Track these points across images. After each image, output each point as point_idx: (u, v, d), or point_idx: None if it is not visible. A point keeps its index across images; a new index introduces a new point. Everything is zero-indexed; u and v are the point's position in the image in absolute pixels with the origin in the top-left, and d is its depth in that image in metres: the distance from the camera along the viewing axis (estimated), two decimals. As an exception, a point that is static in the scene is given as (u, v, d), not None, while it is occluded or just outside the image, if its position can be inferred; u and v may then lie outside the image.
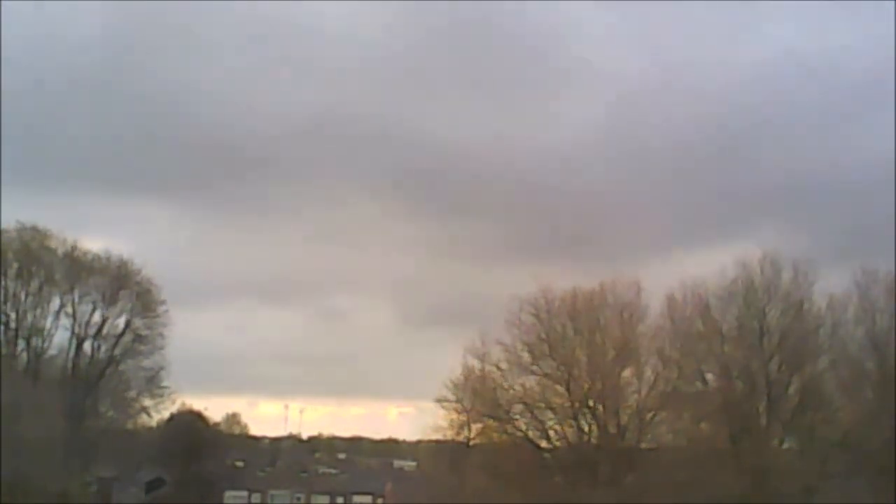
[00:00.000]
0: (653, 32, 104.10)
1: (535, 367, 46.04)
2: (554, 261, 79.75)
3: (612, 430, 44.36)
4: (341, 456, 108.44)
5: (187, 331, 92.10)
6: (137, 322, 55.37)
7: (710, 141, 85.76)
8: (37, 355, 53.26)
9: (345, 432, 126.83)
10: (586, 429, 44.85)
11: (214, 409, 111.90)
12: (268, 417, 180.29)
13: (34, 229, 53.55)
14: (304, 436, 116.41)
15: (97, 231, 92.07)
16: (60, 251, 54.29)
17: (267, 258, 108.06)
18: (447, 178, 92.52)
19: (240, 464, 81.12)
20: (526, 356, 46.12)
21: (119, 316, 55.03)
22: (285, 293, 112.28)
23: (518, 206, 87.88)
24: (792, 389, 42.34)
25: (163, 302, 56.14)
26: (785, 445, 43.02)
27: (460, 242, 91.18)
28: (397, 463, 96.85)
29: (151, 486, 65.52)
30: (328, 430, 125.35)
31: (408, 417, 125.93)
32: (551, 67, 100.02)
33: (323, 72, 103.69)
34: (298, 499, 73.97)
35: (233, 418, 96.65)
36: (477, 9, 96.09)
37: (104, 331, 54.50)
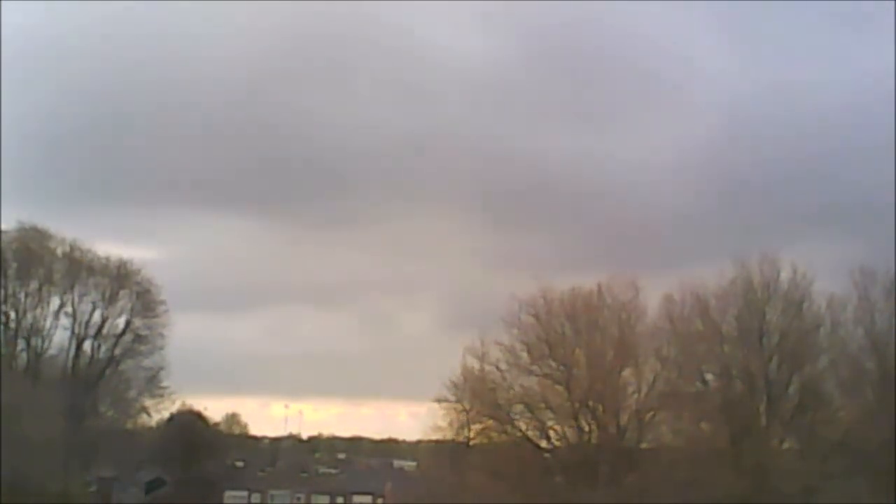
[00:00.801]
0: (752, 54, 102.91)
1: (534, 368, 46.08)
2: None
3: (612, 430, 44.36)
4: (341, 456, 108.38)
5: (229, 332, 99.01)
6: (137, 322, 55.53)
7: (800, 162, 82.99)
8: (37, 355, 53.32)
9: (346, 432, 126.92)
10: (586, 429, 44.84)
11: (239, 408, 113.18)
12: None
13: (34, 229, 53.62)
14: (304, 436, 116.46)
15: (179, 241, 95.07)
16: (60, 251, 54.36)
17: (329, 266, 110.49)
18: (535, 194, 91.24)
19: (240, 464, 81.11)
20: (525, 356, 46.19)
21: (119, 316, 55.24)
22: (336, 300, 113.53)
23: (596, 220, 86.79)
24: (792, 389, 42.31)
25: (163, 302, 56.26)
26: (785, 445, 42.99)
27: (529, 255, 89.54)
28: (397, 463, 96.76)
29: (151, 486, 65.52)
30: (332, 430, 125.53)
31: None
32: (649, 87, 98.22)
33: (422, 93, 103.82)
34: (298, 499, 73.95)
35: (233, 418, 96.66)
36: (574, 27, 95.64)
37: (104, 331, 54.65)
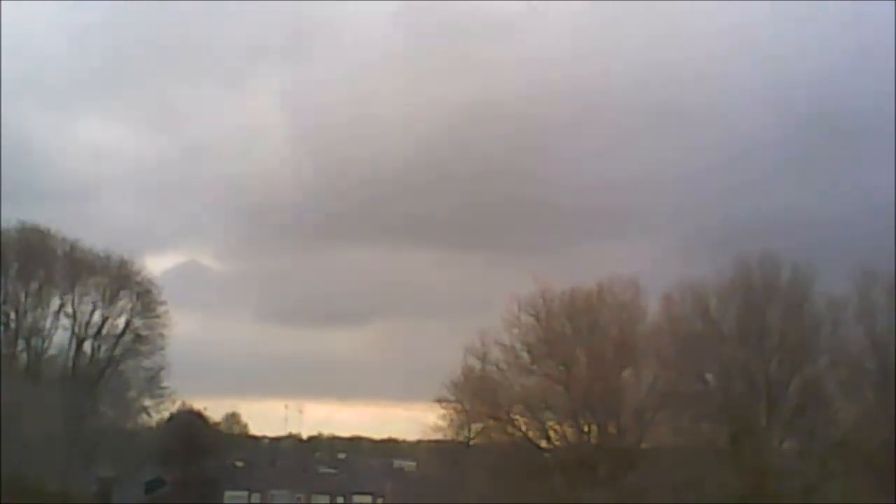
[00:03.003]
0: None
1: (534, 368, 46.15)
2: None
3: (612, 430, 44.42)
4: (341, 456, 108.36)
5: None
6: (137, 322, 55.44)
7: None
8: (37, 355, 53.31)
9: (345, 432, 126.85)
10: (586, 429, 44.89)
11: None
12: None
13: (34, 229, 53.57)
14: (304, 436, 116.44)
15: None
16: (60, 251, 54.30)
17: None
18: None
19: (240, 464, 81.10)
20: (525, 356, 46.28)
21: (119, 316, 55.13)
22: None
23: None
24: (792, 389, 42.26)
25: (163, 302, 56.26)
26: (785, 445, 42.95)
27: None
28: (397, 463, 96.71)
29: (151, 486, 65.45)
30: (327, 429, 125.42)
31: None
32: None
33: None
34: (298, 499, 73.85)
35: (233, 418, 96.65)
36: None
37: (104, 331, 54.56)
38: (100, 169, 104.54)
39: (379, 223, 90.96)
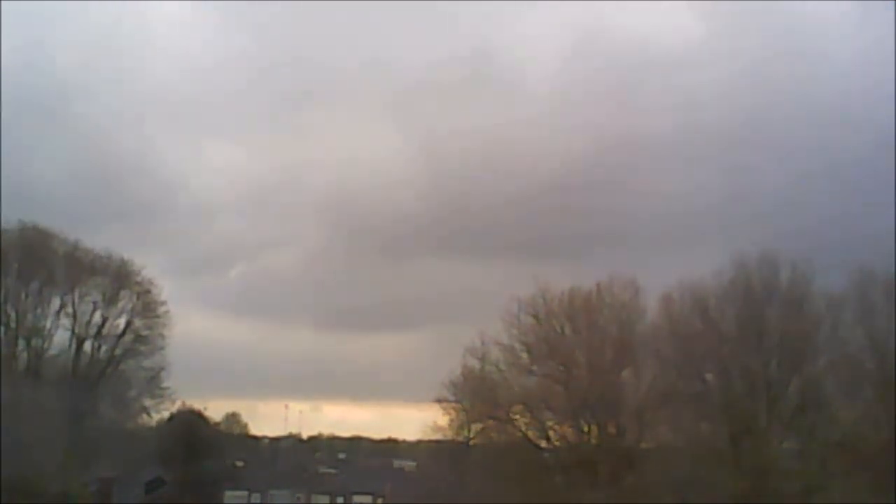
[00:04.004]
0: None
1: (534, 368, 46.19)
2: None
3: (612, 430, 44.44)
4: (341, 456, 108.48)
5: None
6: (138, 322, 55.45)
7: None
8: (37, 355, 53.28)
9: (346, 432, 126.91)
10: (586, 429, 44.91)
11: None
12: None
13: (35, 229, 53.56)
14: (304, 436, 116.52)
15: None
16: (61, 251, 54.30)
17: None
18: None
19: (240, 464, 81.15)
20: (525, 356, 46.31)
21: (119, 316, 55.15)
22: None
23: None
24: (792, 389, 42.29)
25: (163, 302, 56.28)
26: (785, 445, 42.98)
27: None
28: (397, 463, 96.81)
29: (151, 486, 65.46)
30: (332, 429, 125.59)
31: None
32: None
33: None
34: (298, 499, 73.93)
35: (233, 418, 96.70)
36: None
37: (104, 331, 54.58)
38: (221, 187, 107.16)
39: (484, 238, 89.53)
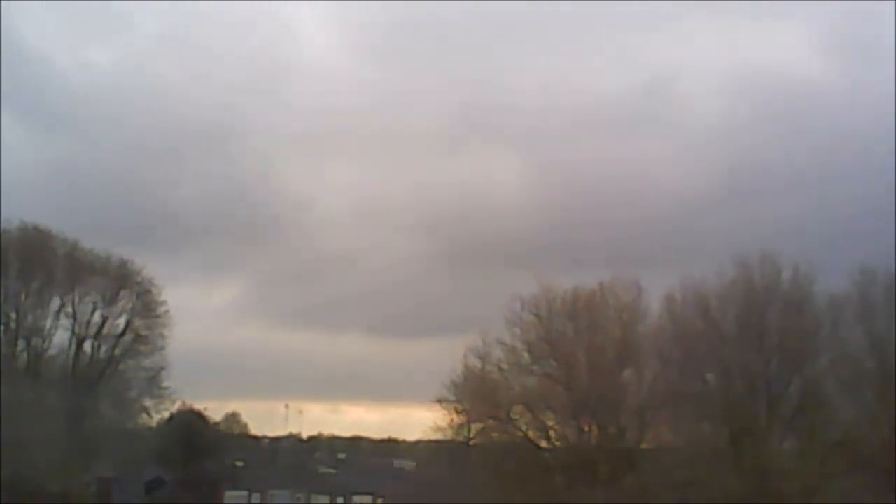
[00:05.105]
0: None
1: (535, 368, 46.13)
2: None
3: (612, 430, 44.39)
4: (341, 456, 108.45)
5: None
6: (138, 322, 55.50)
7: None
8: (37, 355, 53.31)
9: (346, 432, 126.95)
10: (586, 429, 44.86)
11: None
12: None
13: (35, 229, 53.59)
14: (304, 436, 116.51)
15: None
16: (61, 251, 54.31)
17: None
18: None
19: (240, 464, 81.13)
20: (526, 356, 46.24)
21: (119, 316, 55.22)
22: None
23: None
24: (792, 389, 42.29)
25: (163, 302, 56.28)
26: (785, 445, 42.97)
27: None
28: (397, 463, 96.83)
29: (151, 486, 65.49)
30: (332, 430, 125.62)
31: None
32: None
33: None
34: (298, 499, 73.87)
35: (233, 418, 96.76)
36: None
37: (104, 331, 54.65)
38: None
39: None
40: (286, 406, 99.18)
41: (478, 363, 47.11)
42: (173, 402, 58.72)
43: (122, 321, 55.08)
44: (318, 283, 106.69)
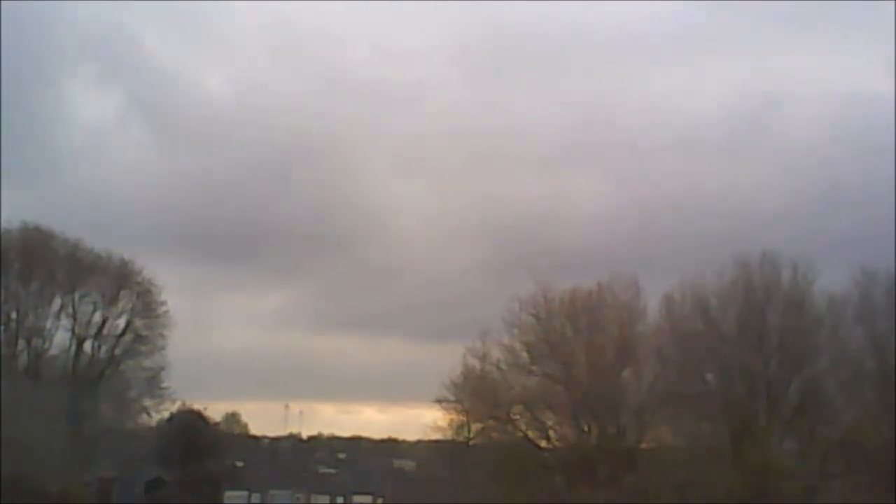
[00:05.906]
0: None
1: (534, 368, 46.15)
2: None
3: (612, 430, 44.42)
4: (341, 456, 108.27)
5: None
6: (138, 322, 55.40)
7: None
8: (37, 355, 53.27)
9: (346, 432, 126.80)
10: (586, 429, 44.90)
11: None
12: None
13: (36, 229, 53.57)
14: (304, 436, 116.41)
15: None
16: (62, 251, 54.29)
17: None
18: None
19: (240, 464, 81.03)
20: (526, 356, 46.26)
21: (120, 316, 55.10)
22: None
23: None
24: (792, 389, 42.34)
25: (163, 302, 56.25)
26: (785, 445, 43.00)
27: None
28: (397, 463, 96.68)
29: (151, 486, 65.41)
30: (332, 430, 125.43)
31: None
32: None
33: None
34: (298, 499, 73.85)
35: (233, 418, 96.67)
36: None
37: (105, 331, 54.55)
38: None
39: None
40: (285, 406, 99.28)
41: (477, 363, 47.19)
42: (173, 402, 58.70)
43: (122, 321, 55.05)
44: (377, 292, 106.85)
